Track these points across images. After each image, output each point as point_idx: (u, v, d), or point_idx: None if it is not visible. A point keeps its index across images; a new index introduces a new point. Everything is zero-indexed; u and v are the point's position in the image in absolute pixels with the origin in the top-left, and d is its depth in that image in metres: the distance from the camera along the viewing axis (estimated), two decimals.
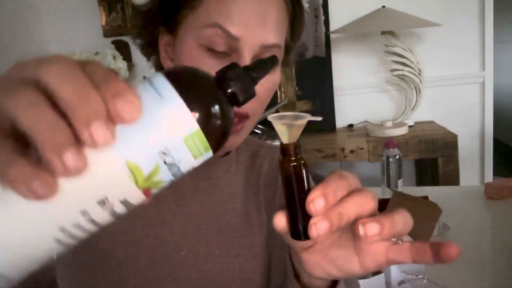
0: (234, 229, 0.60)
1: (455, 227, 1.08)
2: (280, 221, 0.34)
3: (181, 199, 0.58)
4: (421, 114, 2.23)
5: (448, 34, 2.17)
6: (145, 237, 0.55)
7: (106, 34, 2.43)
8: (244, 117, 0.51)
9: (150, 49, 0.58)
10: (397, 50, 2.00)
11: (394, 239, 0.34)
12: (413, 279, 0.82)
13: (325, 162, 2.01)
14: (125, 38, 2.37)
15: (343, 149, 1.92)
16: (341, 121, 2.33)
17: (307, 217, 0.32)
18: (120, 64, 2.25)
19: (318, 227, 0.30)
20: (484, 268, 0.93)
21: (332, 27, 2.21)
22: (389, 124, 2.05)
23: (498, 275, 0.88)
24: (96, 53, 2.23)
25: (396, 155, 1.37)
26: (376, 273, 0.80)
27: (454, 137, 1.85)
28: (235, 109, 0.47)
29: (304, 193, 0.33)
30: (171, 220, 0.57)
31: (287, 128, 0.33)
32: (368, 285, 0.79)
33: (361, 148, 1.91)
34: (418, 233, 0.82)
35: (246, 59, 0.47)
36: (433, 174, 1.95)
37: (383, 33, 2.02)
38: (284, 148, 0.34)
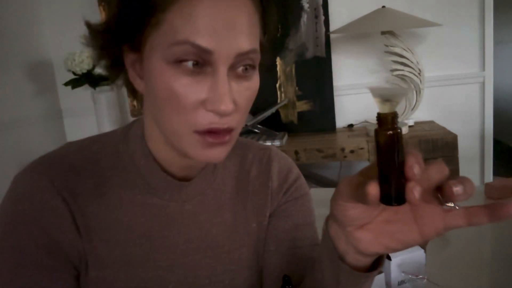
0: (221, 244, 0.59)
1: None
2: (375, 188, 0.35)
3: (166, 229, 0.56)
4: (421, 114, 2.23)
5: (448, 34, 2.17)
6: (129, 281, 0.54)
7: None
8: (229, 131, 0.48)
9: (117, 68, 0.53)
10: (397, 50, 1.99)
11: (451, 205, 0.37)
12: (413, 279, 0.82)
13: (325, 162, 2.01)
14: None
15: (343, 149, 1.92)
16: (341, 121, 2.33)
17: (400, 183, 0.35)
18: None
19: (417, 190, 0.34)
20: (484, 268, 0.93)
21: (332, 27, 2.21)
22: None
23: (498, 275, 0.88)
24: None
25: None
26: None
27: (454, 137, 1.85)
28: (219, 125, 0.46)
29: (399, 161, 0.35)
30: (155, 257, 0.55)
31: (384, 100, 0.35)
32: None
33: (361, 148, 1.91)
34: None
35: (221, 72, 0.45)
36: None
37: (383, 33, 2.02)
38: (381, 117, 0.35)
